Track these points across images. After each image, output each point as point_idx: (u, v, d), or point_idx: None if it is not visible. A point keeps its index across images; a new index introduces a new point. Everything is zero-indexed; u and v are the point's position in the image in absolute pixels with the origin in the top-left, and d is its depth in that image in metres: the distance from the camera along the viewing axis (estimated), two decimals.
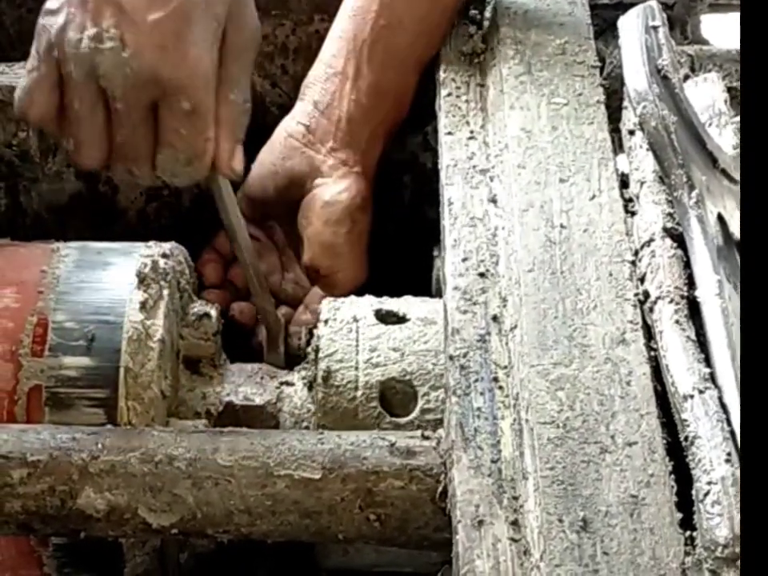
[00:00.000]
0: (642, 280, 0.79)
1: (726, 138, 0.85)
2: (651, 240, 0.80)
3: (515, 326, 0.77)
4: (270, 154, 1.02)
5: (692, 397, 0.69)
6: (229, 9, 0.79)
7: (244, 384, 0.91)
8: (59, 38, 0.78)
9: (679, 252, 0.78)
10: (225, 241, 1.03)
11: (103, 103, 0.78)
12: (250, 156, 0.98)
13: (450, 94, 0.96)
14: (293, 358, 0.96)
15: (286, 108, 1.07)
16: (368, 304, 0.91)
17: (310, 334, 0.93)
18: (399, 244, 1.09)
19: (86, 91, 0.78)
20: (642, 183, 0.84)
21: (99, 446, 0.77)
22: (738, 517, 0.63)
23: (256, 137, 1.01)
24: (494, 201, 0.87)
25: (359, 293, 0.94)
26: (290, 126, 1.02)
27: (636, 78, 0.83)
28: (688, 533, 0.66)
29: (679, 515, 0.67)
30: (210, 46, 0.78)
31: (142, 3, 0.77)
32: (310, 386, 0.90)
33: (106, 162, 0.81)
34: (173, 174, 0.80)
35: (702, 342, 0.73)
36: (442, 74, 0.98)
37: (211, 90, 0.78)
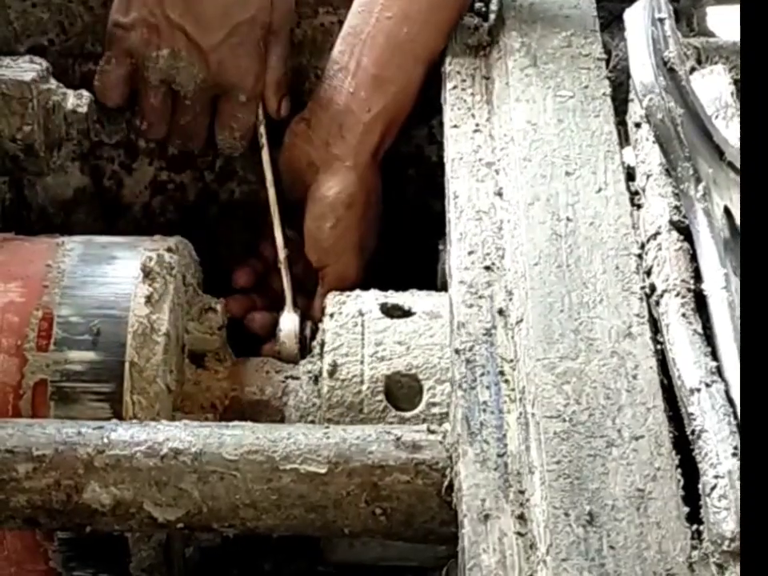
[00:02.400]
0: (648, 273, 0.78)
1: (732, 131, 0.84)
2: (657, 233, 0.79)
3: (521, 320, 0.77)
4: (280, 155, 1.04)
5: (699, 390, 0.69)
6: (269, 7, 1.00)
7: (249, 378, 0.91)
8: (137, 51, 1.00)
9: (686, 245, 0.78)
10: (267, 246, 1.04)
11: (171, 96, 1.01)
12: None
13: (455, 87, 0.96)
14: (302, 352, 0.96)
15: (291, 101, 1.06)
16: (373, 298, 0.91)
17: (314, 329, 0.93)
18: (405, 237, 1.09)
19: (159, 90, 1.01)
20: (649, 176, 0.84)
21: (105, 440, 0.76)
22: None
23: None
24: (499, 194, 0.86)
25: (364, 287, 0.94)
26: (294, 124, 1.03)
27: (642, 70, 0.83)
28: (695, 527, 0.66)
29: (686, 509, 0.66)
30: (257, 49, 1.01)
31: (203, 31, 0.99)
32: (316, 379, 0.90)
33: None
34: (232, 147, 1.04)
35: (708, 336, 0.73)
36: (447, 67, 0.98)
37: (259, 83, 1.02)
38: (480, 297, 0.80)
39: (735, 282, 0.73)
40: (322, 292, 0.99)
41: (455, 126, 0.92)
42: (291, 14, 1.04)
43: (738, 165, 0.80)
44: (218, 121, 1.03)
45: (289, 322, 0.98)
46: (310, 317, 1.00)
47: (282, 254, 1.01)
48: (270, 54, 1.02)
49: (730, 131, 0.84)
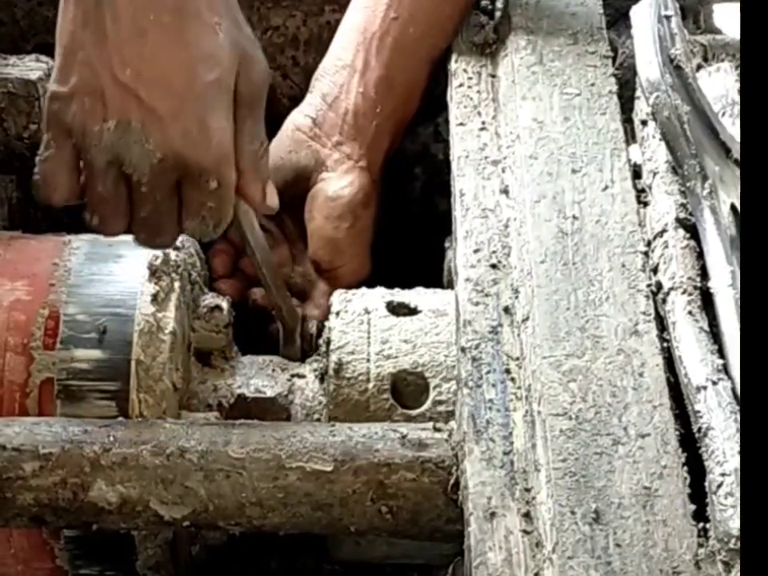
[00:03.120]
0: (654, 271, 0.78)
1: (738, 128, 0.84)
2: (664, 231, 0.79)
3: (527, 318, 0.77)
4: (278, 147, 1.02)
5: (705, 388, 0.69)
6: (236, 72, 0.79)
7: (255, 376, 0.91)
8: (77, 127, 0.78)
9: (692, 243, 0.78)
10: (233, 234, 1.02)
11: (125, 182, 0.79)
12: None
13: (461, 85, 0.96)
14: (307, 352, 0.96)
15: (296, 99, 1.06)
16: (379, 296, 0.91)
17: (320, 327, 0.92)
18: (410, 235, 1.09)
19: (108, 175, 0.79)
20: (655, 174, 0.84)
21: (111, 438, 0.77)
22: None
23: (267, 128, 1.01)
24: (505, 192, 0.86)
25: (370, 285, 0.94)
26: (298, 118, 1.02)
27: (649, 67, 0.83)
28: (701, 524, 0.66)
29: (692, 507, 0.66)
30: (227, 120, 0.79)
31: (160, 92, 0.77)
32: (322, 377, 0.89)
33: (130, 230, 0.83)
34: (202, 234, 0.83)
35: (715, 333, 0.72)
36: (453, 65, 0.98)
37: (232, 163, 0.80)
38: (486, 295, 0.80)
39: None
40: (325, 290, 0.99)
41: (461, 124, 0.92)
42: (264, 84, 0.82)
43: None
44: (184, 209, 0.81)
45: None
46: (313, 317, 0.99)
47: (274, 300, 0.93)
48: (241, 132, 0.80)
49: (736, 129, 0.84)
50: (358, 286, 0.94)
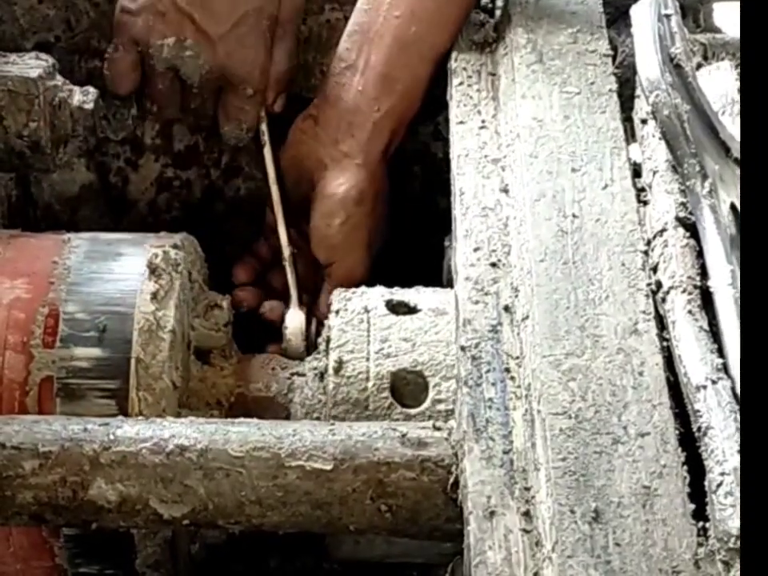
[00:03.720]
0: (654, 270, 0.78)
1: (738, 127, 0.84)
2: (664, 230, 0.79)
3: (527, 317, 0.77)
4: (285, 150, 1.03)
5: (705, 387, 0.69)
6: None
7: (255, 374, 0.91)
8: (143, 38, 0.99)
9: (692, 242, 0.78)
10: (263, 246, 1.05)
11: (179, 81, 1.01)
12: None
13: (461, 84, 0.96)
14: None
15: (298, 98, 1.06)
16: (379, 294, 0.91)
17: (318, 326, 0.93)
18: (410, 234, 1.09)
19: (166, 76, 1.00)
20: (655, 172, 0.84)
21: (110, 436, 0.77)
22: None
23: (273, 129, 1.03)
24: (505, 190, 0.86)
25: (369, 284, 0.94)
26: (300, 121, 1.03)
27: (649, 66, 0.83)
28: (701, 524, 0.66)
29: (692, 506, 0.66)
30: (264, 41, 1.01)
31: (211, 19, 0.99)
32: (321, 376, 0.89)
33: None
34: (237, 138, 1.04)
35: (714, 332, 0.72)
36: (453, 63, 0.98)
37: (265, 76, 1.02)
38: (486, 293, 0.80)
39: None
40: (328, 289, 0.99)
41: (461, 123, 0.92)
42: (300, 8, 1.04)
43: None
44: (222, 113, 1.03)
45: (295, 318, 0.98)
46: (315, 314, 0.99)
47: (286, 251, 1.01)
48: (276, 48, 1.02)
49: (736, 127, 0.84)
50: (357, 285, 0.94)
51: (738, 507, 0.63)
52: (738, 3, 0.79)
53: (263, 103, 1.02)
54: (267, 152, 1.03)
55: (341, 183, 1.00)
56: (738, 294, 0.72)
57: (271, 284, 1.05)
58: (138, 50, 0.99)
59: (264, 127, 1.03)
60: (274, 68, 1.02)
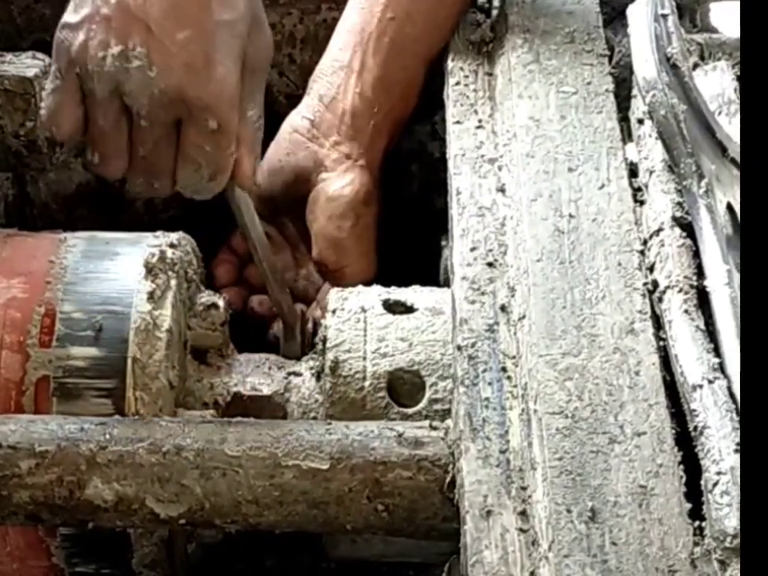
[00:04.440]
0: (651, 269, 0.78)
1: (735, 127, 0.84)
2: (660, 229, 0.79)
3: (523, 316, 0.77)
4: (276, 150, 1.02)
5: (701, 387, 0.69)
6: (248, 28, 0.80)
7: (252, 374, 0.91)
8: (81, 54, 0.78)
9: (688, 241, 0.78)
10: (240, 240, 1.03)
11: (127, 118, 0.79)
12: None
13: (458, 83, 0.96)
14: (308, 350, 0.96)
15: (293, 97, 1.06)
16: (376, 294, 0.91)
17: (315, 326, 0.93)
18: (407, 234, 1.09)
19: (109, 107, 0.78)
20: (651, 172, 0.84)
21: (107, 436, 0.77)
22: None
23: (264, 126, 1.01)
24: (502, 190, 0.86)
25: (367, 283, 0.94)
26: (295, 120, 1.02)
27: (645, 66, 0.83)
28: (697, 523, 0.66)
29: (688, 505, 0.66)
30: (234, 64, 0.79)
31: (169, 22, 0.77)
32: (318, 376, 0.89)
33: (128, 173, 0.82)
34: (195, 189, 0.81)
35: (711, 332, 0.73)
36: (450, 63, 0.98)
37: (235, 108, 0.79)
38: (482, 293, 0.80)
39: (738, 279, 0.73)
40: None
41: (458, 122, 0.92)
42: (269, 54, 0.83)
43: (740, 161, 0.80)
44: (179, 152, 0.80)
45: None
46: (317, 318, 0.98)
47: (273, 289, 0.94)
48: (244, 98, 0.80)
49: (732, 127, 0.84)
50: (364, 285, 0.94)
51: (735, 506, 0.63)
52: (735, 3, 0.79)
53: (229, 148, 0.80)
54: (240, 217, 0.87)
55: (346, 185, 0.99)
56: (734, 294, 0.72)
57: (249, 280, 1.03)
58: (76, 73, 0.79)
59: (235, 199, 0.86)
60: (244, 127, 0.81)
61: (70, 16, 0.79)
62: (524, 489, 0.70)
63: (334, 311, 0.89)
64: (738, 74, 0.90)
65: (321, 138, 1.01)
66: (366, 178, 0.99)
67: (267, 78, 0.84)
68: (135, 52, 0.77)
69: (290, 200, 1.02)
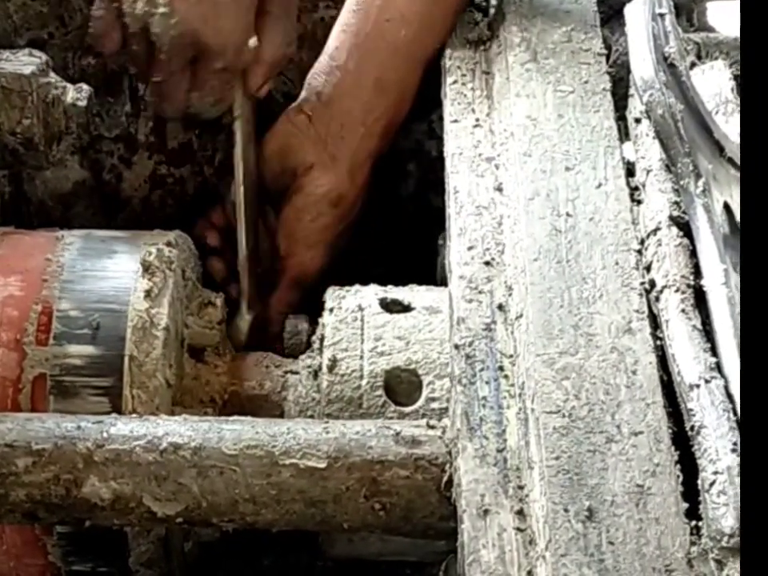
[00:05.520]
0: (648, 269, 0.78)
1: (732, 127, 0.84)
2: (657, 229, 0.79)
3: (521, 315, 0.77)
4: (270, 140, 1.03)
5: (698, 386, 0.69)
6: None
7: (249, 372, 0.91)
8: None
9: (685, 241, 0.78)
10: (219, 215, 1.04)
11: (151, 48, 0.94)
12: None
13: (455, 82, 0.96)
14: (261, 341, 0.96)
15: (290, 95, 1.06)
16: (373, 293, 0.91)
17: (312, 324, 0.93)
18: (404, 232, 1.09)
19: (139, 38, 0.94)
20: (649, 172, 0.84)
21: (104, 434, 0.76)
22: None
23: (259, 122, 1.02)
24: (499, 189, 0.86)
25: (363, 282, 0.94)
26: (292, 114, 1.03)
27: (643, 65, 0.83)
28: (694, 523, 0.66)
29: (685, 505, 0.66)
30: (245, 14, 0.94)
31: None
32: (315, 374, 0.89)
33: None
34: (201, 109, 0.97)
35: (708, 332, 0.73)
36: (447, 62, 0.98)
37: (240, 52, 0.94)
38: (480, 292, 0.80)
39: (735, 278, 0.73)
40: (283, 285, 1.00)
41: (455, 121, 0.92)
42: None
43: (737, 161, 0.80)
44: (191, 81, 0.96)
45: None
46: (268, 310, 1.00)
47: (242, 253, 1.00)
48: (268, 28, 0.95)
49: (730, 127, 0.84)
50: (307, 284, 0.96)
51: (731, 506, 0.63)
52: (733, 2, 0.79)
53: (233, 82, 0.96)
54: (237, 128, 0.99)
55: (321, 184, 1.00)
56: (731, 294, 0.72)
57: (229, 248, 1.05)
58: (116, 6, 0.94)
59: (238, 104, 0.98)
60: (266, 50, 0.96)
61: None
62: (521, 488, 0.70)
63: (331, 310, 0.89)
64: (735, 73, 0.90)
65: (314, 136, 1.01)
66: (341, 180, 1.01)
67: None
68: (160, 1, 0.92)
69: (275, 191, 1.03)
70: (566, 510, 0.66)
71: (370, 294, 0.91)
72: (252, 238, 1.00)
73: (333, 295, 0.91)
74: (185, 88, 0.95)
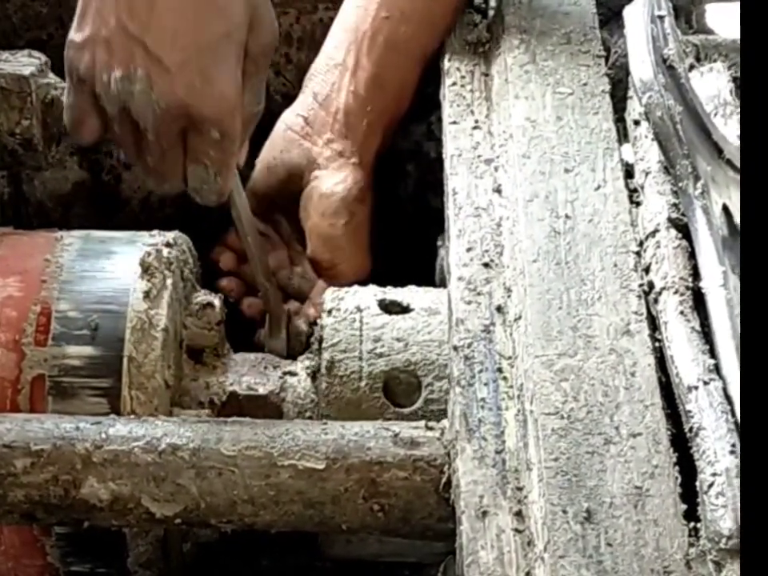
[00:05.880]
0: (646, 271, 0.78)
1: (731, 128, 0.84)
2: (656, 230, 0.79)
3: (519, 317, 0.77)
4: (271, 148, 1.03)
5: (696, 388, 0.69)
6: (247, 28, 0.81)
7: (247, 374, 0.91)
8: (88, 75, 0.82)
9: (684, 243, 0.78)
10: (235, 238, 1.03)
11: (136, 129, 0.82)
12: (255, 148, 0.99)
13: (454, 84, 0.96)
14: (294, 349, 0.96)
15: (289, 96, 1.06)
16: (372, 294, 0.91)
17: (312, 325, 0.93)
18: (403, 234, 1.09)
19: (120, 121, 0.82)
20: (647, 173, 0.84)
21: (103, 435, 0.76)
22: None
23: (259, 125, 1.01)
24: (498, 191, 0.86)
25: (362, 283, 0.94)
26: (290, 118, 1.02)
27: (642, 67, 0.83)
28: (692, 524, 0.66)
29: (683, 506, 0.66)
30: (234, 73, 0.82)
31: (166, 44, 0.79)
32: (314, 375, 0.89)
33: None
34: (204, 186, 0.84)
35: (706, 333, 0.73)
36: (446, 63, 0.98)
37: (238, 115, 0.82)
38: (478, 293, 0.80)
39: (733, 280, 0.73)
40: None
41: (454, 123, 0.92)
42: (273, 42, 0.85)
43: (736, 163, 0.80)
44: (188, 155, 0.83)
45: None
46: (310, 317, 0.98)
47: (263, 285, 0.95)
48: (245, 89, 0.83)
49: (728, 129, 0.84)
50: (359, 282, 0.94)
51: (730, 508, 0.64)
52: (731, 4, 0.79)
53: (234, 151, 0.84)
54: (236, 214, 0.90)
55: (339, 182, 0.99)
56: (730, 296, 0.72)
57: (244, 277, 1.03)
58: (89, 90, 0.82)
59: (235, 184, 0.88)
60: (243, 113, 0.84)
61: (74, 34, 0.82)
62: (520, 489, 0.70)
63: (330, 311, 0.89)
64: (734, 75, 0.90)
65: (314, 136, 1.01)
66: (358, 176, 1.00)
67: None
68: (136, 75, 0.80)
69: (284, 198, 1.02)
70: (564, 512, 0.66)
71: (368, 295, 0.91)
72: (264, 260, 0.96)
73: (331, 296, 0.91)
74: (181, 162, 0.84)
